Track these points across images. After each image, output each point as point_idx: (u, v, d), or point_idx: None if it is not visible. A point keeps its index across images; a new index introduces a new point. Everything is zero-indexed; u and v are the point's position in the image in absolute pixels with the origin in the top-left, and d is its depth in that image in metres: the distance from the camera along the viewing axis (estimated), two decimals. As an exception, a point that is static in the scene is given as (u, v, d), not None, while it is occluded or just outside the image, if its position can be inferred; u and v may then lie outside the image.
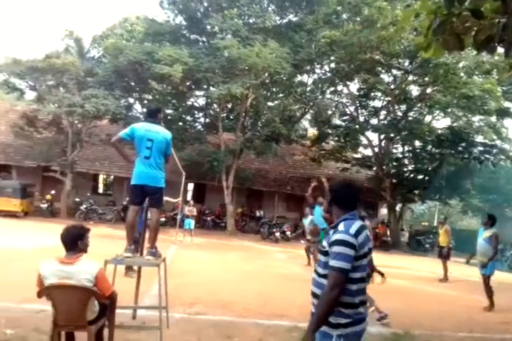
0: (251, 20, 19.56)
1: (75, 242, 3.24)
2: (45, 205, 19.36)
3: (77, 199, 20.05)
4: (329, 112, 24.28)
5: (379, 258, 15.88)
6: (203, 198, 23.36)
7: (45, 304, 3.44)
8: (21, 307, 4.97)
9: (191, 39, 20.65)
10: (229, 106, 22.08)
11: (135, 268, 6.23)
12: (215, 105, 21.49)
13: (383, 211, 26.38)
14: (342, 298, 2.27)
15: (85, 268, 3.16)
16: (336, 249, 2.28)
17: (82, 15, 67.07)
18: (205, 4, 19.53)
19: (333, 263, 2.27)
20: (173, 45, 18.23)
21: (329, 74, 21.56)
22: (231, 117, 22.92)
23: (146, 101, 21.25)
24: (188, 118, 22.47)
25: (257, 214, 22.71)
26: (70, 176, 19.81)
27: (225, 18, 17.95)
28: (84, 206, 19.24)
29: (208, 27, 19.38)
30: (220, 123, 20.23)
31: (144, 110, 20.34)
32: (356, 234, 2.31)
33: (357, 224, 2.37)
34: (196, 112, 22.81)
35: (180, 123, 21.21)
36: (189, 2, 19.45)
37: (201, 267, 9.69)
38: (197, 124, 22.93)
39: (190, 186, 23.75)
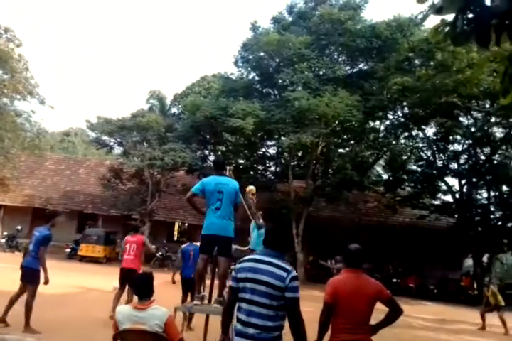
0: (321, 72, 20.10)
1: (147, 289, 3.38)
2: (126, 252, 20.41)
3: (154, 246, 20.87)
4: (404, 157, 23.46)
5: (463, 314, 14.18)
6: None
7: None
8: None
9: (263, 93, 21.64)
10: (299, 154, 22.30)
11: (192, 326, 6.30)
12: (285, 154, 21.84)
13: (468, 262, 24.00)
14: None
15: (156, 314, 3.24)
16: None
17: (165, 76, 74.21)
18: (277, 60, 20.58)
19: None
20: (246, 99, 19.24)
21: (403, 120, 21.09)
22: (301, 165, 23.05)
23: (219, 153, 22.24)
24: (260, 167, 22.99)
25: (328, 263, 21.81)
26: (149, 224, 20.88)
27: (295, 71, 18.72)
28: (160, 253, 19.91)
29: (280, 81, 20.28)
30: (290, 171, 20.42)
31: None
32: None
33: None
34: (267, 161, 23.30)
35: (252, 173, 21.71)
36: (262, 59, 20.62)
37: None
38: (268, 173, 23.31)
39: (261, 234, 23.72)
